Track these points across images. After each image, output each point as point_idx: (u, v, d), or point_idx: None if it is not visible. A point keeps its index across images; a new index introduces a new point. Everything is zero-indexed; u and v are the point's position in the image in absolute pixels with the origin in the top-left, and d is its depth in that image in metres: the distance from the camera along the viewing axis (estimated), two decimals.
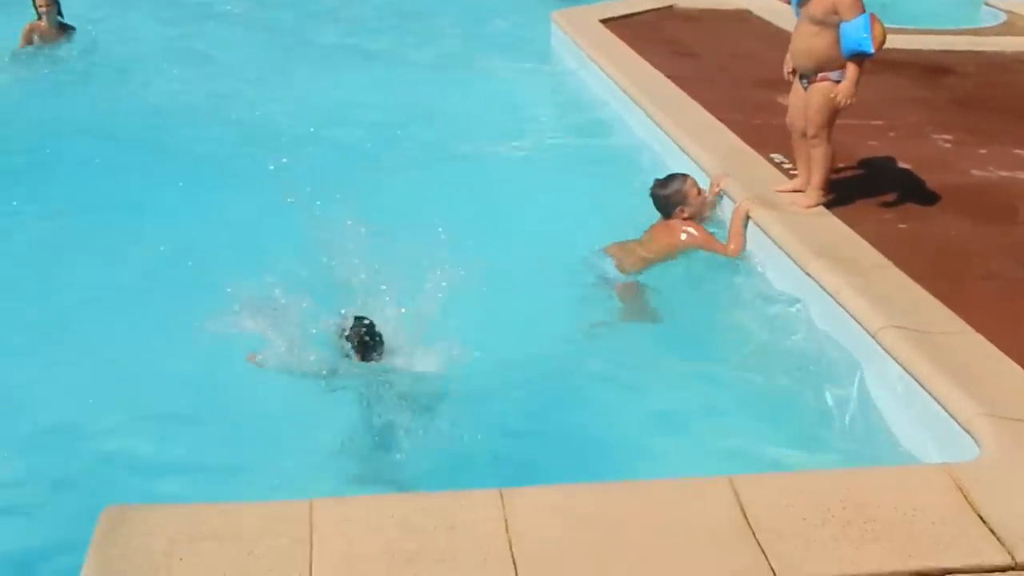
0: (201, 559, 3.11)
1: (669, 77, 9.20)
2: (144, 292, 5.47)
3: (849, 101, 5.91)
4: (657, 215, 6.42)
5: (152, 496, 3.47)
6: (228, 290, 4.86)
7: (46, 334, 5.35)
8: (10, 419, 4.62)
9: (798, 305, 5.60)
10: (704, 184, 6.62)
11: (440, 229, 5.76)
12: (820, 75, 5.98)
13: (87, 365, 5.04)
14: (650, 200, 6.42)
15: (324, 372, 4.72)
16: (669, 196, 6.35)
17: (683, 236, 6.27)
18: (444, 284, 5.31)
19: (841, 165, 6.81)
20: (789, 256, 5.77)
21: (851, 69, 5.85)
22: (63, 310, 5.60)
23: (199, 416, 4.66)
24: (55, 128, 8.66)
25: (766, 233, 6.06)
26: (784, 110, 6.56)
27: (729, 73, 9.71)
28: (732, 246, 6.24)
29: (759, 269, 6.09)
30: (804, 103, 6.14)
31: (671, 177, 6.48)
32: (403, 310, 5.09)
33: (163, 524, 3.23)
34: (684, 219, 6.31)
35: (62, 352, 5.15)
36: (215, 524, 3.24)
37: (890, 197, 6.58)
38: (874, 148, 7.53)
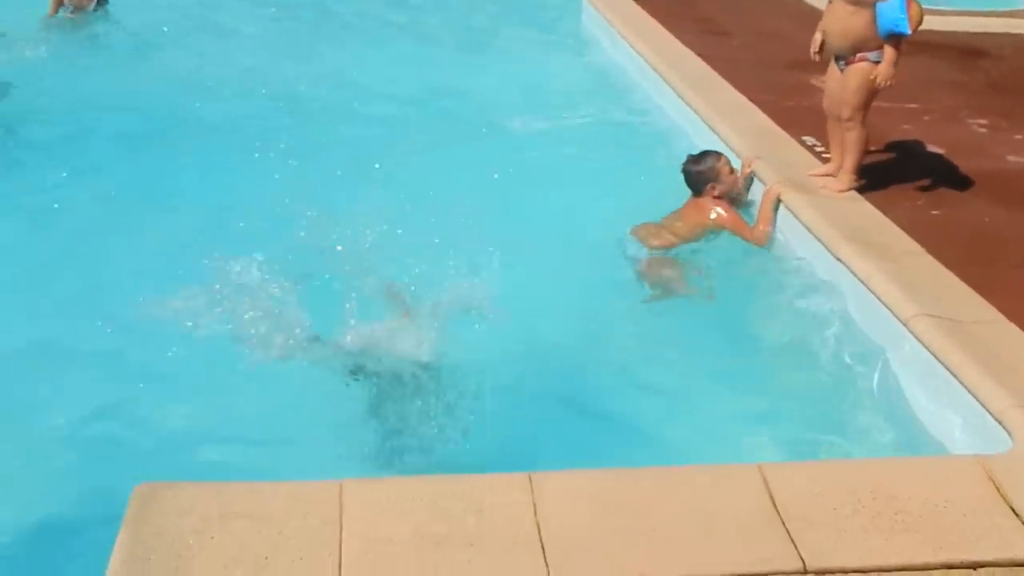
0: (232, 538, 3.13)
1: (700, 56, 9.12)
2: (176, 268, 5.47)
3: (888, 82, 5.85)
4: (686, 194, 6.37)
5: (183, 475, 3.48)
6: (260, 266, 4.88)
7: (79, 310, 5.37)
8: (44, 396, 4.66)
9: (828, 291, 5.55)
10: (736, 165, 6.57)
11: (468, 208, 5.77)
12: (858, 56, 5.90)
13: (120, 341, 5.07)
14: (678, 181, 6.37)
15: (353, 353, 4.73)
16: (701, 172, 6.30)
17: (712, 215, 6.22)
18: (471, 264, 5.30)
19: (874, 149, 6.73)
20: (820, 241, 5.73)
21: (889, 50, 5.78)
22: (96, 285, 5.62)
23: (232, 396, 4.69)
24: (84, 97, 8.69)
25: (797, 217, 6.01)
26: (817, 92, 6.50)
27: (761, 53, 9.60)
28: (760, 229, 6.19)
29: (789, 253, 6.04)
30: (841, 85, 6.07)
31: (704, 153, 6.44)
32: (431, 289, 5.08)
33: (194, 502, 3.25)
34: (714, 197, 6.26)
35: (95, 328, 5.17)
36: (246, 503, 3.26)
37: (923, 182, 6.52)
38: (908, 132, 7.45)
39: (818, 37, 6.26)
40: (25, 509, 3.73)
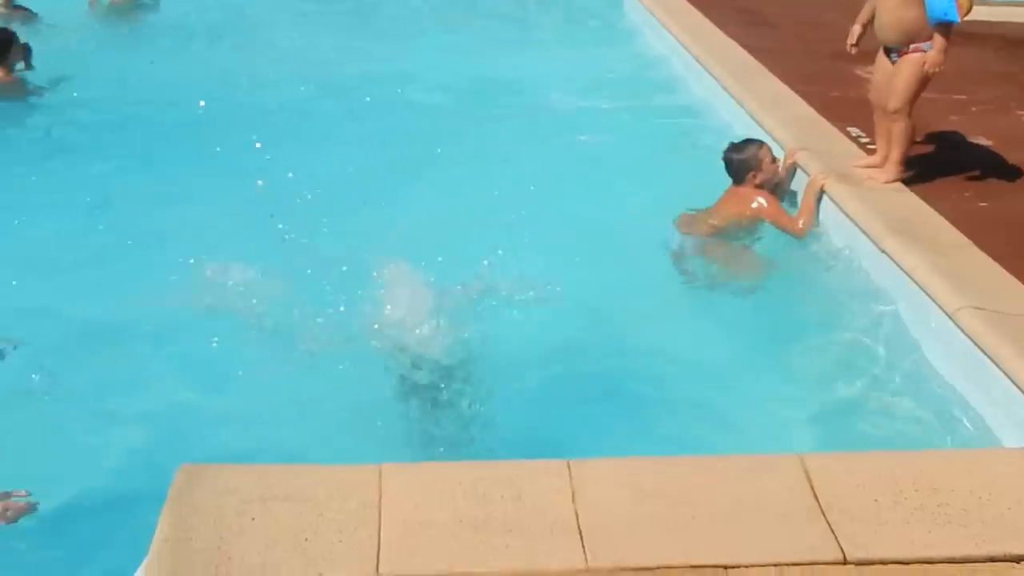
0: (273, 519, 3.15)
1: (744, 47, 9.05)
2: (226, 255, 5.54)
3: (937, 69, 5.79)
4: (728, 184, 6.33)
5: (225, 457, 3.52)
6: (307, 253, 4.91)
7: (130, 295, 5.44)
8: (96, 377, 4.73)
9: (871, 283, 5.50)
10: (778, 155, 6.52)
11: (510, 195, 5.78)
12: (912, 47, 5.83)
13: (170, 327, 5.14)
14: (720, 171, 6.33)
15: (395, 340, 4.76)
16: (743, 160, 6.25)
17: (753, 205, 6.16)
18: (514, 251, 5.32)
19: (920, 140, 6.65)
20: (864, 233, 5.67)
21: (938, 38, 5.73)
22: (147, 271, 5.69)
23: (275, 381, 4.73)
24: (131, 85, 8.80)
25: (841, 208, 5.96)
26: (863, 82, 6.43)
27: (806, 43, 9.50)
28: (802, 221, 6.12)
29: (833, 245, 5.99)
30: (889, 77, 5.99)
31: (746, 141, 6.39)
32: (474, 275, 5.10)
33: (236, 484, 3.28)
34: (756, 186, 6.21)
35: (146, 313, 5.24)
36: (287, 486, 3.29)
37: (970, 174, 6.43)
38: (955, 123, 7.34)
39: (856, 30, 6.21)
40: (74, 486, 3.80)
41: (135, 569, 3.05)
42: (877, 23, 6.01)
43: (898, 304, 5.27)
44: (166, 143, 7.58)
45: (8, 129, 8.22)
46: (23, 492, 3.71)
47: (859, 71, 7.66)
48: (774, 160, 6.31)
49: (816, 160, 6.43)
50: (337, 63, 9.53)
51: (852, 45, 6.25)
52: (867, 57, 6.35)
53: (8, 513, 3.62)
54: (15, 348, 4.62)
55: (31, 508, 3.68)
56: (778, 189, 6.50)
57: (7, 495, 3.67)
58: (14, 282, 5.50)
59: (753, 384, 4.88)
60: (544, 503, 3.29)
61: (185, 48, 10.13)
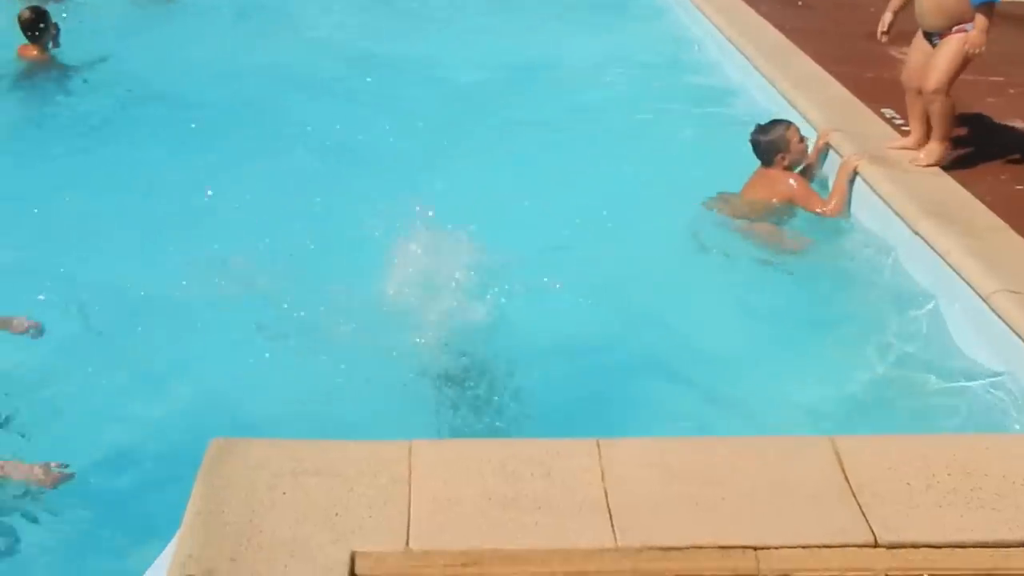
0: (303, 494, 3.17)
1: (777, 27, 8.98)
2: (266, 235, 5.58)
3: (979, 50, 5.72)
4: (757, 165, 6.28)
5: (256, 431, 3.54)
6: (341, 228, 4.91)
7: (165, 272, 5.49)
8: (126, 351, 4.77)
9: (905, 266, 5.45)
10: (809, 136, 6.46)
11: (540, 176, 5.75)
12: (955, 28, 5.76)
13: (208, 304, 5.18)
14: (751, 155, 6.28)
15: (426, 317, 4.77)
16: (771, 142, 6.20)
17: (782, 187, 6.12)
18: (542, 229, 5.31)
19: (956, 122, 6.56)
20: (898, 215, 5.62)
21: (980, 18, 5.68)
22: (190, 250, 5.72)
23: (307, 356, 4.76)
24: (157, 64, 8.82)
25: (875, 190, 5.90)
26: (898, 63, 6.36)
27: (840, 23, 9.40)
28: (833, 203, 6.07)
29: (866, 227, 5.94)
30: (927, 59, 5.92)
31: (773, 122, 6.33)
32: (505, 254, 5.10)
33: (267, 458, 3.29)
34: (784, 168, 6.16)
35: (189, 291, 5.28)
36: (317, 461, 3.30)
37: (1008, 156, 6.37)
38: (992, 105, 7.25)
39: (888, 18, 6.15)
40: (108, 458, 3.84)
41: (168, 541, 3.07)
42: (918, 8, 5.94)
43: (931, 287, 5.22)
44: (201, 121, 7.60)
45: (43, 107, 8.29)
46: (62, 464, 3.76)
47: (894, 52, 7.56)
48: (802, 140, 6.24)
49: (849, 141, 6.37)
50: (369, 43, 9.51)
51: (883, 33, 6.19)
52: (902, 38, 6.28)
53: (47, 480, 3.66)
54: (40, 333, 4.64)
55: (68, 478, 3.73)
56: (810, 171, 6.45)
57: (47, 464, 3.71)
58: (49, 257, 5.55)
59: (783, 365, 4.86)
60: (573, 481, 3.28)
61: (216, 24, 10.13)
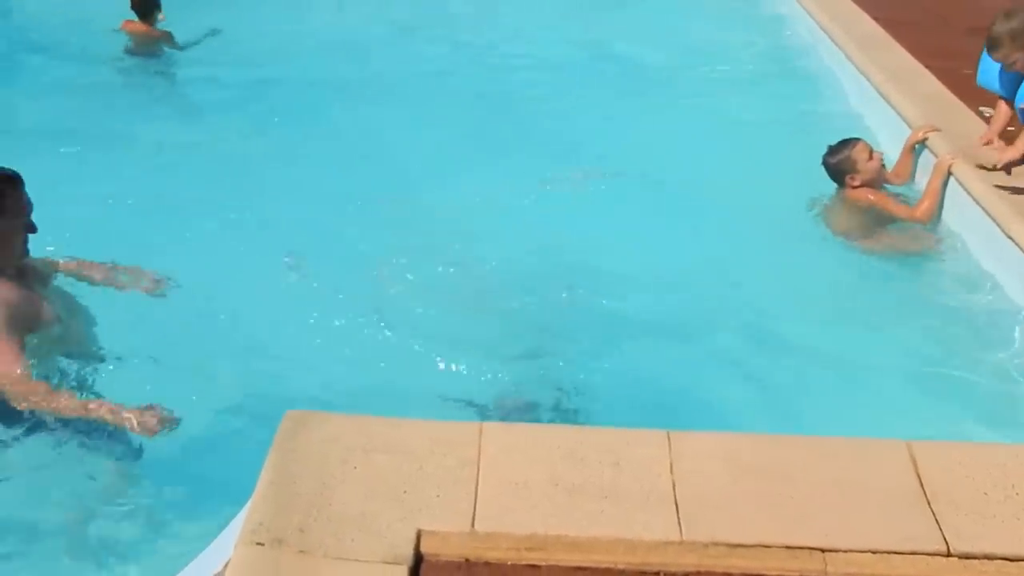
0: (374, 470, 3.21)
1: (874, 17, 8.76)
2: (339, 216, 5.65)
3: None
4: None
5: (330, 405, 3.59)
6: (415, 211, 4.96)
7: (253, 247, 5.60)
8: (206, 326, 4.87)
9: (994, 270, 5.31)
10: (893, 144, 6.27)
11: (625, 163, 5.70)
12: None
13: (285, 283, 5.29)
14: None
15: (505, 304, 4.80)
16: (836, 164, 6.04)
17: (861, 204, 5.97)
18: (621, 215, 5.27)
19: None
20: (990, 216, 5.47)
21: None
22: (269, 230, 5.84)
23: (381, 333, 4.82)
24: (261, 43, 8.95)
25: (966, 190, 5.75)
26: None
27: (940, 16, 9.14)
28: (924, 206, 5.89)
29: (955, 229, 5.79)
30: None
31: (841, 143, 6.10)
32: (587, 243, 5.09)
33: (340, 433, 3.35)
34: (855, 187, 5.99)
35: (268, 268, 5.39)
36: (388, 438, 3.34)
37: None
38: None
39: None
40: (189, 425, 3.93)
41: (240, 508, 3.15)
42: None
43: (1019, 293, 5.08)
44: (295, 101, 7.71)
45: (149, 81, 8.47)
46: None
47: None
48: (872, 156, 6.01)
49: (944, 141, 6.21)
50: (438, 25, 9.51)
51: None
52: None
53: (152, 422, 3.72)
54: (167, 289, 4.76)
55: (174, 422, 3.78)
56: (904, 169, 6.31)
57: (151, 406, 3.79)
58: (146, 226, 5.69)
59: (862, 367, 4.78)
60: (642, 472, 3.27)
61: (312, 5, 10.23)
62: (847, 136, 6.15)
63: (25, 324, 3.97)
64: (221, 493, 3.57)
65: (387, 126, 7.23)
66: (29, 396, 3.79)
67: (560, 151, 6.63)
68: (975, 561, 3.04)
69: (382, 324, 4.85)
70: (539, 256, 5.08)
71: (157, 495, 3.93)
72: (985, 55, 5.66)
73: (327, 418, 3.42)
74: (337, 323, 4.92)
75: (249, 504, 3.09)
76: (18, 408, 3.81)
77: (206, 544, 3.25)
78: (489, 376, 4.52)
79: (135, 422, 3.73)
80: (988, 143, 5.81)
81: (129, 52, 8.79)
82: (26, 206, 4.05)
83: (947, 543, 3.08)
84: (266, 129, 7.28)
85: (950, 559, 3.04)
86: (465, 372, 4.54)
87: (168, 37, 8.92)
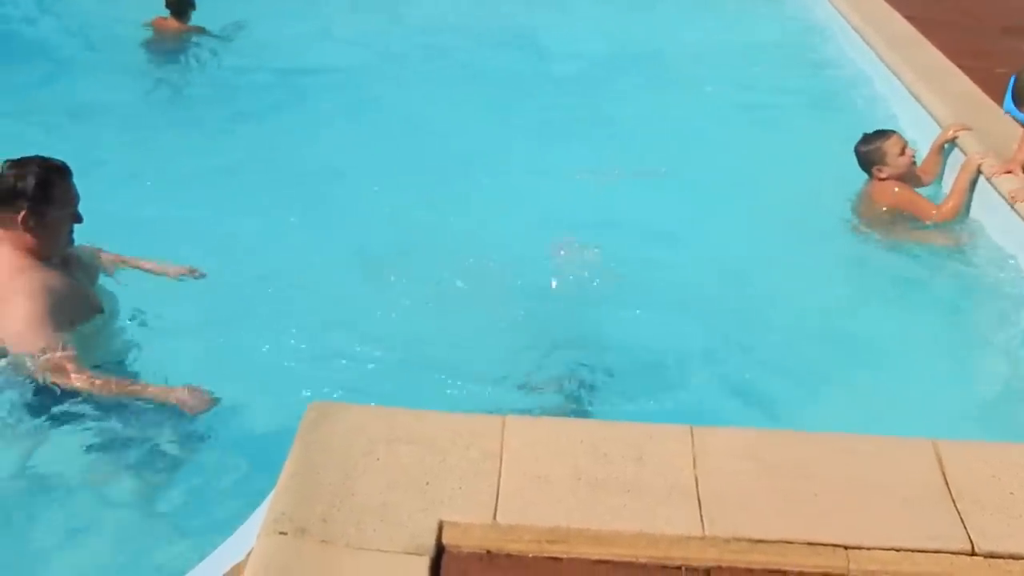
0: (396, 461, 3.22)
1: (906, 16, 8.70)
2: (372, 197, 5.66)
3: None
4: None
5: (351, 396, 3.61)
6: (453, 202, 4.95)
7: (269, 242, 5.64)
8: (234, 315, 4.90)
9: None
10: (923, 140, 6.22)
11: (655, 163, 5.69)
12: None
13: (324, 274, 5.33)
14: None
15: (532, 293, 4.81)
16: (866, 153, 6.01)
17: (886, 197, 5.93)
18: (653, 211, 5.25)
19: None
20: (1020, 216, 5.41)
21: None
22: (317, 221, 5.88)
23: (408, 324, 4.83)
24: (292, 38, 8.99)
25: (996, 190, 5.69)
26: None
27: (974, 15, 9.06)
28: (949, 204, 5.84)
29: (984, 229, 5.74)
30: None
31: (876, 133, 6.08)
32: (616, 240, 5.09)
33: (363, 424, 3.36)
34: (882, 179, 5.95)
35: (309, 262, 5.43)
36: (411, 429, 3.35)
37: None
38: None
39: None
40: (215, 418, 3.96)
41: (263, 498, 3.17)
42: None
43: None
44: (332, 93, 7.75)
45: (184, 76, 8.53)
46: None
47: None
48: (904, 151, 5.98)
49: (975, 140, 6.15)
50: (480, 34, 9.51)
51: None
52: None
53: (194, 402, 3.83)
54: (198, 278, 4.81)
55: (215, 403, 3.90)
56: (932, 168, 6.25)
57: (195, 387, 3.89)
58: (181, 215, 5.74)
59: (888, 366, 4.75)
60: (664, 467, 3.27)
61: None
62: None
63: (71, 313, 4.06)
64: (244, 483, 3.59)
65: (421, 118, 7.27)
66: (76, 380, 3.87)
67: (592, 145, 6.63)
68: (1000, 561, 3.01)
69: (410, 314, 4.87)
70: (566, 250, 5.08)
71: (181, 485, 3.95)
72: (1012, 81, 5.56)
73: (350, 409, 3.44)
74: (363, 314, 4.94)
75: (272, 494, 3.11)
76: (67, 391, 3.88)
77: (229, 533, 3.26)
78: (512, 368, 4.52)
79: (185, 398, 3.84)
80: (1009, 172, 5.72)
81: (156, 48, 8.86)
82: (74, 197, 4.15)
83: (972, 542, 3.05)
84: (297, 119, 7.34)
85: (974, 558, 3.02)
86: (488, 364, 4.54)
87: (200, 30, 8.98)
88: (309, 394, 3.54)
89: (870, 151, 5.99)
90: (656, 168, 6.21)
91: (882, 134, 6.07)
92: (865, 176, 6.09)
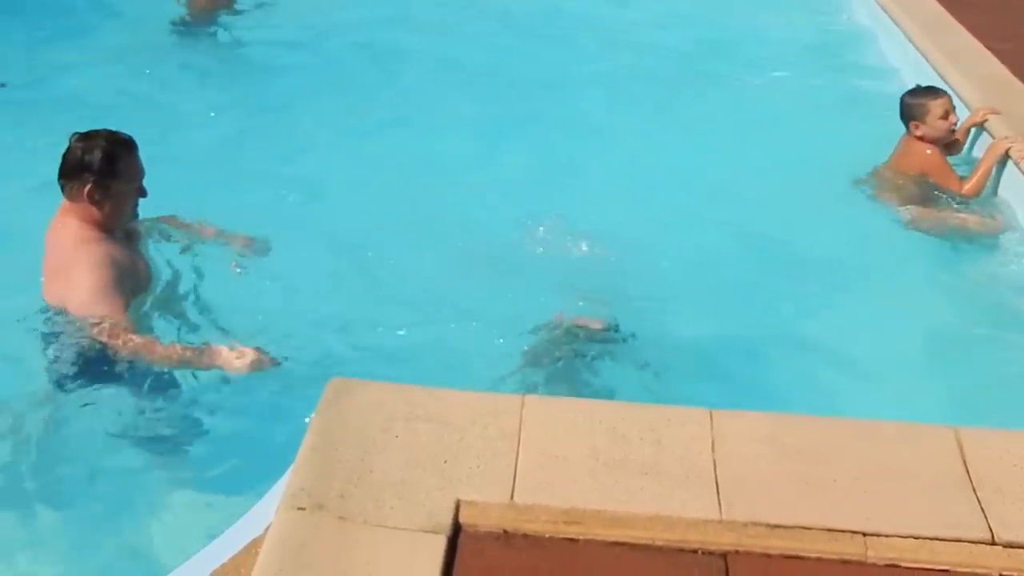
0: (415, 439, 3.23)
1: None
2: (401, 177, 5.66)
3: None
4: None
5: (371, 374, 3.61)
6: (485, 188, 4.95)
7: (292, 214, 5.63)
8: (258, 294, 4.90)
9: None
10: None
11: (685, 155, 5.66)
12: None
13: (356, 259, 5.32)
14: (897, 127, 6.06)
15: (557, 279, 4.81)
16: (907, 106, 5.94)
17: (918, 158, 5.86)
18: (678, 198, 5.23)
19: None
20: None
21: None
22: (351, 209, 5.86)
23: (431, 301, 4.84)
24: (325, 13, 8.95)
25: (1022, 171, 5.63)
26: None
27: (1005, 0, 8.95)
28: (973, 181, 5.77)
29: (1009, 213, 5.68)
30: None
31: (926, 89, 6.05)
32: (638, 229, 5.08)
33: (382, 401, 3.37)
34: (918, 137, 5.89)
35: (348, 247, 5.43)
36: (430, 408, 3.36)
37: None
38: None
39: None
40: (235, 393, 3.98)
41: (282, 473, 3.18)
42: None
43: None
44: (366, 70, 7.73)
45: (219, 53, 8.51)
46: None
47: None
48: (946, 116, 5.90)
49: (1003, 123, 6.08)
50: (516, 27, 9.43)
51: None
52: None
53: (253, 364, 3.90)
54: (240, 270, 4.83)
55: (278, 363, 3.99)
56: (956, 148, 6.19)
57: (257, 349, 3.96)
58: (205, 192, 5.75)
59: (909, 351, 4.72)
60: (683, 450, 3.26)
61: None
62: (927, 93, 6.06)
63: (132, 285, 4.16)
64: (264, 458, 3.61)
65: (448, 97, 7.23)
66: (139, 350, 3.93)
67: (618, 148, 6.58)
68: (1020, 551, 2.99)
69: (434, 292, 4.88)
70: (589, 235, 5.07)
71: (201, 459, 3.99)
72: None
73: (370, 386, 3.44)
74: (382, 292, 4.94)
75: (291, 469, 3.13)
76: (115, 358, 3.95)
77: (248, 508, 3.28)
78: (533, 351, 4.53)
79: (256, 358, 3.91)
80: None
81: (187, 21, 8.83)
82: (140, 171, 4.23)
83: (992, 531, 3.03)
84: (321, 95, 7.30)
85: (994, 547, 3.00)
86: (510, 345, 4.54)
87: (230, 3, 8.96)
88: (329, 370, 3.53)
89: (914, 105, 5.92)
90: (671, 148, 6.17)
91: (932, 91, 6.01)
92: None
